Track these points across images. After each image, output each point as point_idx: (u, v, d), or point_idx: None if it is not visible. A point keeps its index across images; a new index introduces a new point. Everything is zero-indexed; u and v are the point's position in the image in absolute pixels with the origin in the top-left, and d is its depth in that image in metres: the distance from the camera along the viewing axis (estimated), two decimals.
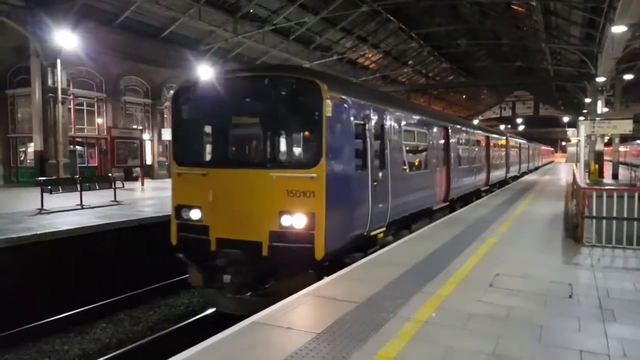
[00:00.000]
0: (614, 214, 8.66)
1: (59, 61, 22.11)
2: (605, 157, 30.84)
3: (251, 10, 29.64)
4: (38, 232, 10.11)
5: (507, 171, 26.00)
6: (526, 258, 7.69)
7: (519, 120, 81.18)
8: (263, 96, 7.45)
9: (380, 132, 8.67)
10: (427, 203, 11.81)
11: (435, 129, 12.52)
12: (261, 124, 7.80)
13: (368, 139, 8.00)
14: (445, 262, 7.34)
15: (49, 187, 14.62)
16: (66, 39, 21.19)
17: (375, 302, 5.45)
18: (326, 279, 6.45)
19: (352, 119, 7.54)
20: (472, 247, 8.44)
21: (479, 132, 19.57)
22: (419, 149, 11.49)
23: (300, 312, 5.18)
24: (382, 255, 7.90)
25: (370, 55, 43.38)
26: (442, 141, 13.35)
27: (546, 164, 59.94)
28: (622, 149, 39.38)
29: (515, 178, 28.76)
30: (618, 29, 16.05)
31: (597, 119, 21.03)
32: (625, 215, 8.55)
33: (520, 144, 32.29)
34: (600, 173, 27.56)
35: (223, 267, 7.06)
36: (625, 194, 8.73)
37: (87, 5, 23.03)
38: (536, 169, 44.26)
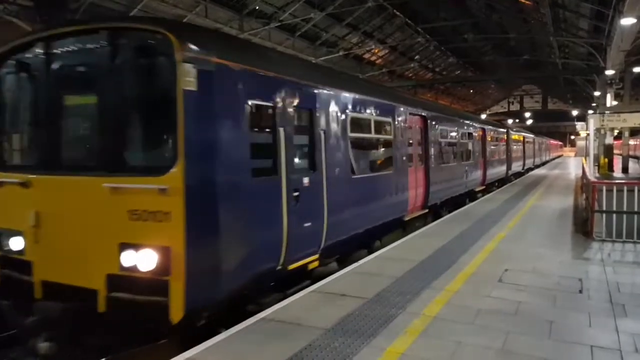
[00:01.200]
0: (624, 208, 8.59)
1: None
2: (615, 151, 30.57)
3: (257, 7, 29.65)
4: None
5: (509, 168, 24.04)
6: (535, 253, 7.65)
7: (527, 115, 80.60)
8: (95, 62, 4.99)
9: (309, 120, 6.43)
10: (394, 213, 9.33)
11: (405, 118, 9.96)
12: (97, 105, 5.07)
13: (281, 130, 5.71)
14: (453, 257, 7.33)
15: None
16: None
17: (385, 297, 5.46)
18: (334, 275, 6.44)
19: (245, 97, 5.16)
20: (480, 243, 8.42)
21: (471, 123, 16.67)
22: (379, 143, 9.13)
23: (309, 308, 5.18)
24: (390, 252, 7.90)
25: (376, 51, 43.19)
26: (418, 133, 10.92)
27: (554, 158, 59.49)
28: (632, 142, 39.05)
29: (519, 175, 27.93)
30: (627, 21, 15.84)
31: (606, 112, 20.81)
32: (635, 209, 8.49)
33: (524, 137, 31.05)
34: (610, 167, 27.33)
35: (37, 329, 4.65)
36: (636, 188, 8.66)
37: (94, 4, 23.17)
38: (543, 163, 43.74)
